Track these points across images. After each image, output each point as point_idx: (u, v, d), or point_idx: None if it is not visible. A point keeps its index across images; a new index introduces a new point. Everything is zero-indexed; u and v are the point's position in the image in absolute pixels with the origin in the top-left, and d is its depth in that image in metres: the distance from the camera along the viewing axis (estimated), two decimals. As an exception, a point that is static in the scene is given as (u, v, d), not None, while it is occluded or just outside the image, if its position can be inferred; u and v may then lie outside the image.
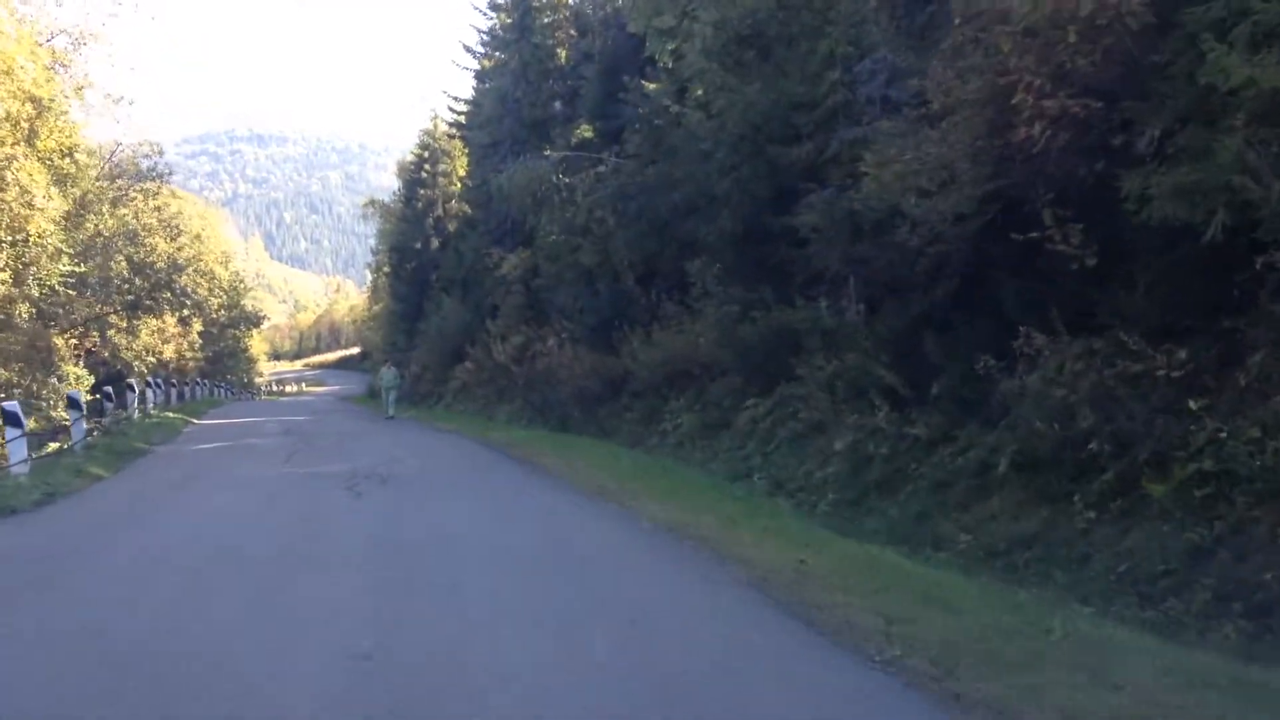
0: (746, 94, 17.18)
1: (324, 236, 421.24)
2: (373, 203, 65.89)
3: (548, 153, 25.81)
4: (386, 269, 65.43)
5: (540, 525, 9.13)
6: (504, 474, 13.61)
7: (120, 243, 32.16)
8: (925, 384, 11.75)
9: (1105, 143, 8.80)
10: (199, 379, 43.77)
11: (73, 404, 16.72)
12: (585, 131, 30.52)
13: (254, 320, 66.51)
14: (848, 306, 14.68)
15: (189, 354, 48.19)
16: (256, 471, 13.18)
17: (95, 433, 17.87)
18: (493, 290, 34.79)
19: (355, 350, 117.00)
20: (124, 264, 32.48)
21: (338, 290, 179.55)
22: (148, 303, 33.17)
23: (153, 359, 38.36)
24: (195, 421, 26.67)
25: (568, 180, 25.37)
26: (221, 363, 59.23)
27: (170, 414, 26.93)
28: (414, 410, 34.64)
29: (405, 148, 66.85)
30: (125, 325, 35.33)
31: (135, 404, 23.73)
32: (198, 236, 56.33)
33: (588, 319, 25.93)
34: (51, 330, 28.05)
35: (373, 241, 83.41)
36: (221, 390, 53.76)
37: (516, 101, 35.34)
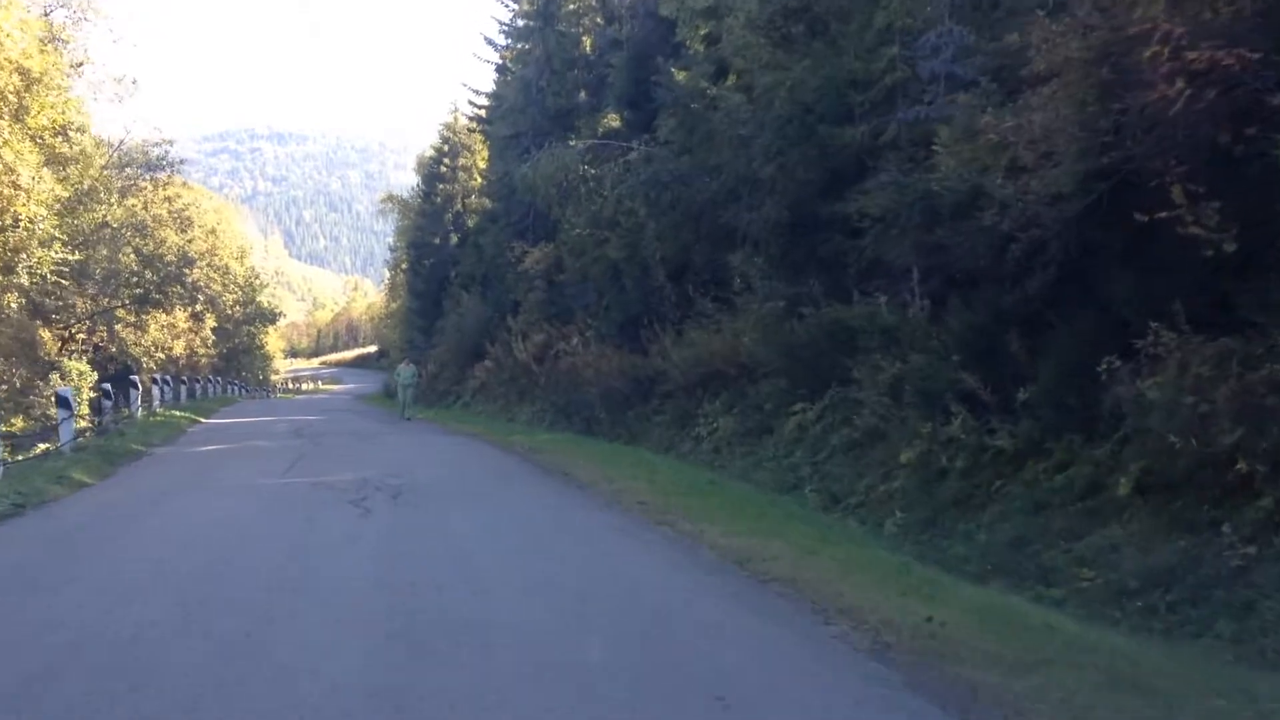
0: (794, 72, 15.79)
1: (343, 235, 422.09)
2: (391, 198, 64.73)
3: (574, 142, 24.43)
4: (404, 266, 64.34)
5: (581, 554, 7.70)
6: (531, 486, 12.24)
7: (128, 234, 30.98)
8: (1009, 389, 10.32)
9: (1258, 103, 7.36)
10: (211, 376, 42.63)
11: (62, 402, 15.46)
12: (612, 120, 29.18)
13: (269, 317, 65.39)
14: (911, 302, 13.25)
15: (202, 350, 47.07)
16: (254, 480, 11.90)
17: (90, 433, 16.64)
18: (514, 286, 33.48)
19: (372, 349, 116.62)
20: (132, 256, 31.29)
21: (355, 289, 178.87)
22: (156, 297, 31.97)
23: (162, 355, 37.21)
24: (202, 421, 25.47)
25: (594, 170, 24.02)
26: (236, 360, 58.14)
27: (177, 413, 25.74)
28: (431, 411, 33.37)
29: (425, 146, 65.75)
30: (133, 320, 34.11)
31: (139, 402, 22.52)
32: (212, 231, 55.28)
33: (614, 316, 24.60)
34: (53, 324, 26.92)
35: (391, 239, 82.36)
36: (236, 388, 52.66)
37: (540, 91, 34.02)
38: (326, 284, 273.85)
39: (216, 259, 50.62)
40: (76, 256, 24.42)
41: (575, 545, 8.14)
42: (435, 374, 45.22)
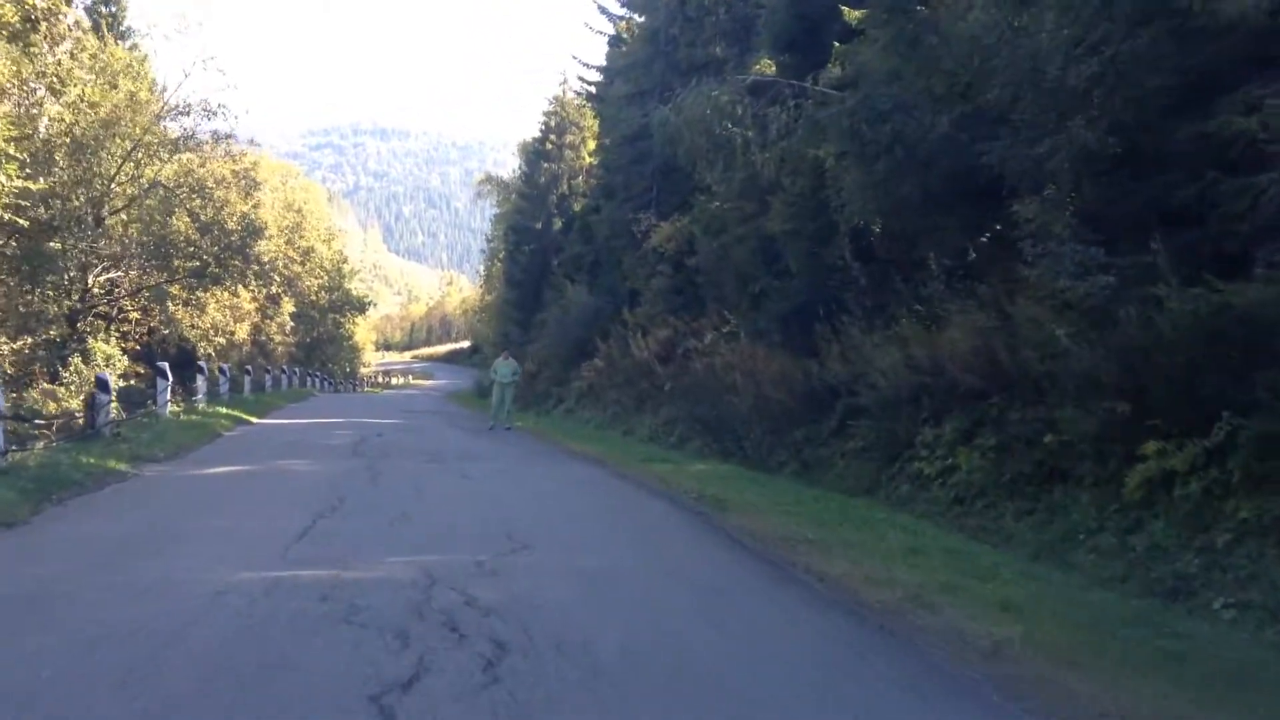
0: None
1: (440, 231, 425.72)
2: (489, 179, 60.11)
3: (740, 76, 18.91)
4: (501, 256, 59.70)
5: None
6: (747, 595, 6.35)
7: (184, 194, 26.42)
8: None
9: None
10: (285, 367, 38.10)
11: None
12: (766, 67, 23.51)
13: (359, 306, 61.29)
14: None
15: (278, 337, 42.70)
16: (219, 571, 5.98)
17: (51, 442, 11.67)
18: (633, 272, 28.07)
19: (465, 344, 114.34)
20: (187, 221, 26.73)
21: (450, 283, 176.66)
22: (215, 271, 27.37)
23: (222, 340, 32.61)
24: (252, 421, 20.58)
25: (758, 112, 18.39)
26: (319, 350, 53.94)
27: (222, 410, 20.88)
28: (529, 416, 28.12)
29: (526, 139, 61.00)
30: (187, 298, 29.54)
31: (164, 396, 17.64)
32: (299, 210, 51.26)
33: (773, 307, 19.00)
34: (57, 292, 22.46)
35: (488, 228, 77.94)
36: (316, 380, 48.31)
37: (671, 40, 28.62)
38: (422, 279, 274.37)
39: (301, 239, 46.37)
40: (39, 185, 19.68)
41: None
42: (533, 373, 40.22)
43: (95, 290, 26.01)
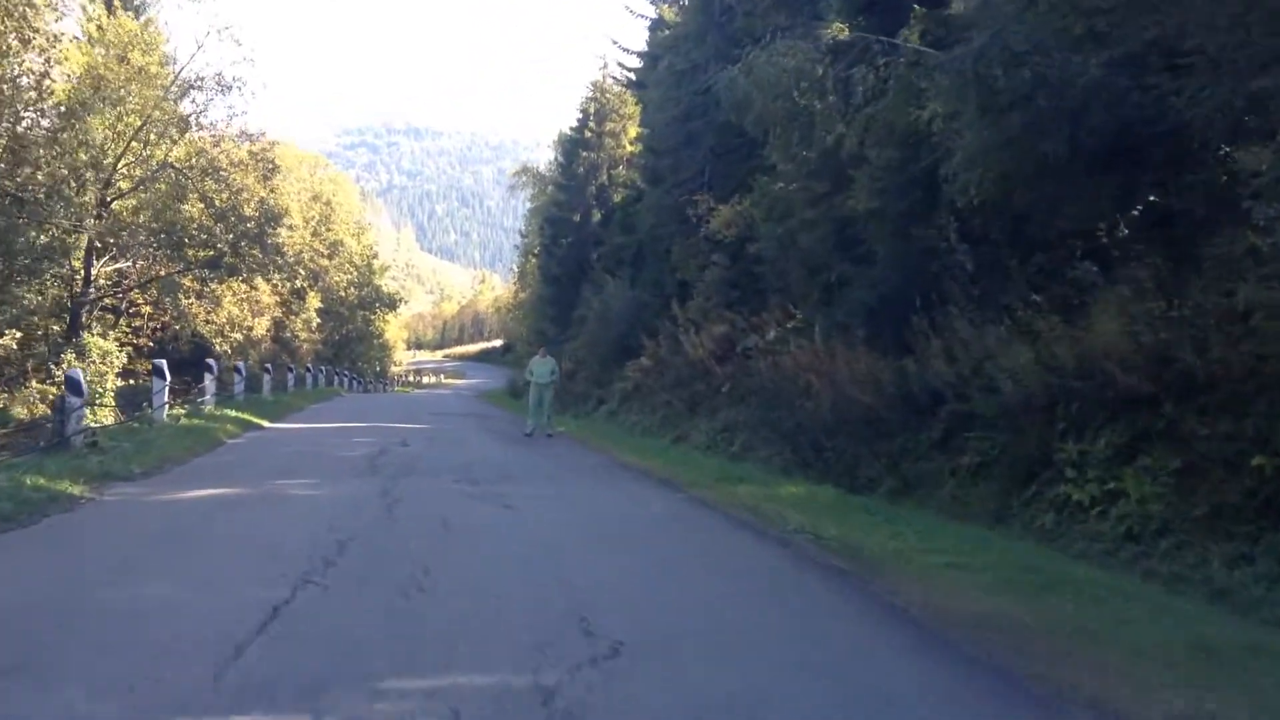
0: None
1: (473, 230, 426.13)
2: (525, 171, 57.81)
3: (823, 31, 16.47)
4: (535, 252, 57.52)
5: None
6: None
7: (196, 177, 24.25)
8: None
9: None
10: (311, 365, 35.99)
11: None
12: (838, 31, 21.01)
13: (390, 302, 59.28)
14: None
15: (303, 334, 40.63)
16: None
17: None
18: (683, 263, 25.66)
19: (497, 342, 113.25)
20: (199, 207, 24.57)
21: (483, 281, 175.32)
22: (230, 261, 25.18)
23: (239, 336, 30.47)
24: (264, 425, 18.36)
25: (836, 79, 15.93)
26: (348, 347, 51.92)
27: (233, 411, 18.69)
28: (569, 420, 25.79)
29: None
30: (200, 290, 27.37)
31: (161, 398, 15.44)
32: (327, 202, 49.32)
33: (856, 298, 16.52)
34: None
35: (522, 224, 75.79)
36: (344, 379, 46.22)
37: (727, 10, 26.15)
38: (455, 277, 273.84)
39: (329, 231, 44.33)
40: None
41: None
42: (571, 372, 37.94)
43: (102, 281, 23.96)
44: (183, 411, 17.32)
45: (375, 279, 56.79)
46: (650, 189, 28.66)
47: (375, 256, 56.82)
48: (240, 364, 23.33)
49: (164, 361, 16.19)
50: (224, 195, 24.70)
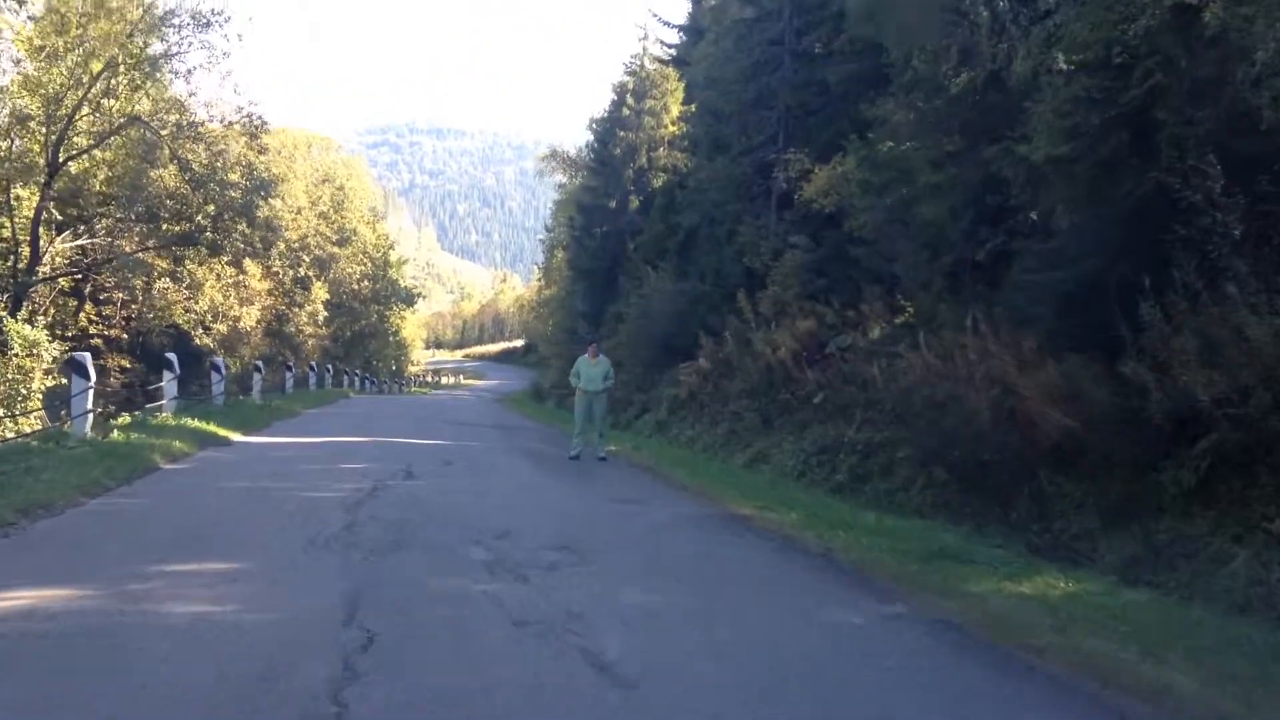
0: None
1: (494, 230, 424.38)
2: (554, 155, 53.54)
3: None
4: (563, 244, 53.38)
5: None
6: None
7: (169, 134, 20.08)
8: None
9: None
10: (314, 364, 31.86)
11: None
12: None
13: (407, 298, 55.17)
14: None
15: (309, 329, 36.48)
16: None
17: None
18: (753, 247, 21.34)
19: (519, 343, 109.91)
20: (172, 169, 20.40)
21: (504, 281, 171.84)
22: (211, 236, 20.99)
23: (222, 327, 26.19)
24: (233, 440, 14.20)
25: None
26: (361, 344, 47.80)
27: (195, 421, 14.52)
28: (613, 433, 21.44)
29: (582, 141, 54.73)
30: (172, 270, 23.09)
31: (82, 404, 11.29)
32: (340, 187, 45.31)
33: (1032, 281, 12.12)
34: None
35: (547, 217, 71.61)
36: (356, 379, 42.05)
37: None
38: (475, 277, 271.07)
39: (340, 217, 40.26)
40: None
41: None
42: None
43: (58, 258, 19.90)
44: (124, 421, 13.18)
45: (392, 272, 52.68)
46: (709, 162, 24.31)
47: (392, 247, 52.74)
48: (218, 360, 19.19)
49: (88, 355, 12.04)
50: (200, 154, 20.59)
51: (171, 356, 15.58)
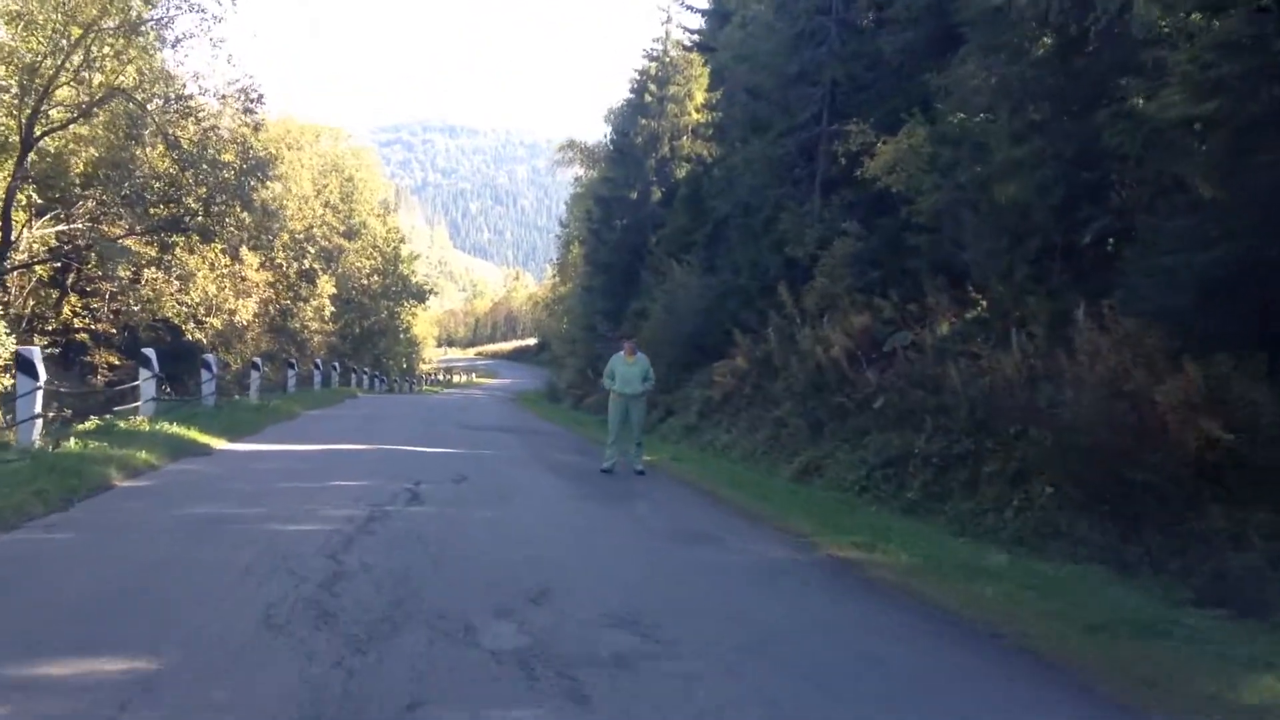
0: None
1: (507, 229, 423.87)
2: (572, 145, 51.64)
3: None
4: (579, 239, 51.58)
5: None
6: None
7: (156, 109, 18.23)
8: None
9: None
10: (319, 361, 30.03)
11: None
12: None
13: (418, 294, 53.36)
14: None
15: (314, 324, 34.64)
16: None
17: None
18: (796, 235, 19.40)
19: (531, 341, 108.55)
20: (161, 149, 18.53)
21: (517, 278, 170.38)
22: (200, 221, 19.08)
23: (215, 321, 24.27)
24: (215, 448, 12.38)
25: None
26: (370, 341, 46.00)
27: (174, 427, 12.69)
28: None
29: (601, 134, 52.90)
30: (159, 258, 21.12)
31: (29, 408, 9.48)
32: (349, 178, 43.55)
33: (1170, 265, 10.15)
34: None
35: (562, 212, 69.75)
36: (364, 378, 40.23)
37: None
38: (488, 275, 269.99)
39: (348, 206, 38.46)
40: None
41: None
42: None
43: (35, 245, 18.10)
44: (88, 426, 11.38)
45: (403, 267, 50.84)
46: (743, 145, 22.36)
47: (403, 240, 50.85)
48: (209, 357, 17.36)
49: (36, 349, 10.21)
50: (192, 135, 18.72)
51: (149, 353, 13.75)
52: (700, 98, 37.70)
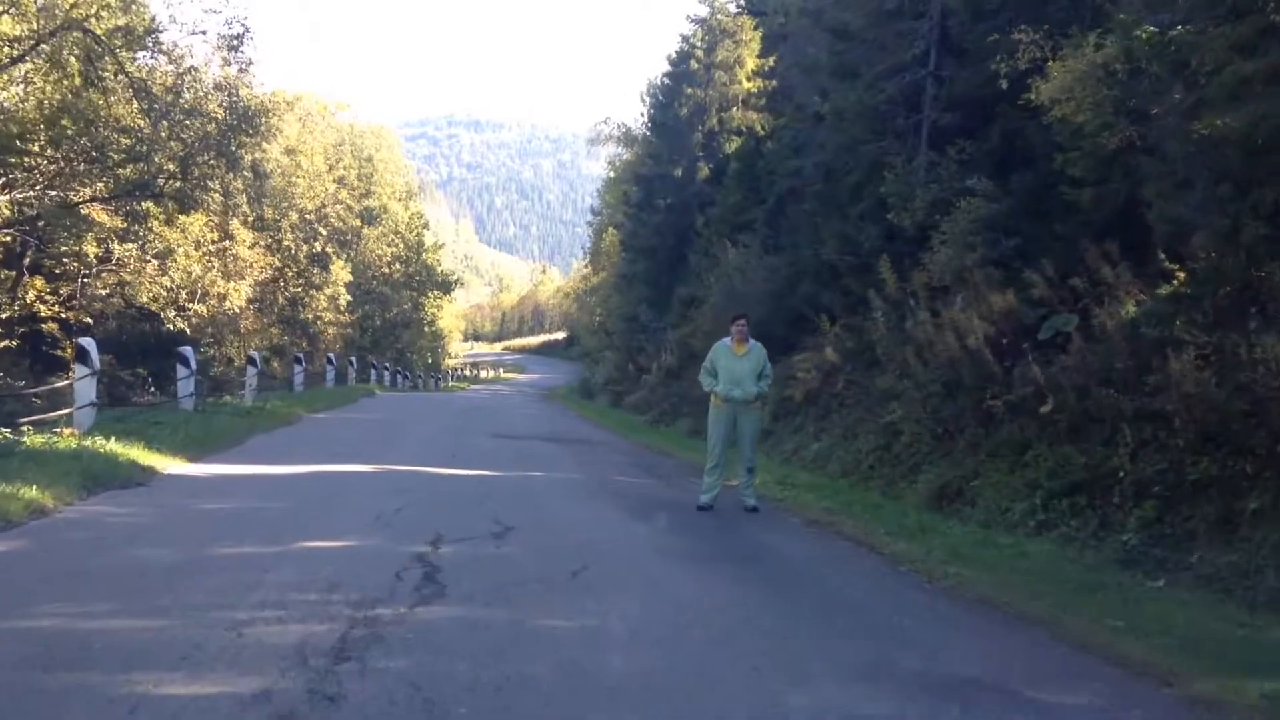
0: None
1: (532, 223, 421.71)
2: (608, 123, 48.26)
3: None
4: (615, 223, 48.17)
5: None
6: None
7: (120, 45, 14.89)
8: None
9: None
10: (332, 356, 26.75)
11: None
12: None
13: (443, 284, 50.13)
14: None
15: (328, 315, 31.35)
16: None
17: None
18: (898, 199, 15.84)
19: (560, 335, 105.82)
20: (132, 105, 15.17)
21: (543, 272, 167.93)
22: (174, 184, 15.75)
23: (203, 308, 20.75)
24: (164, 470, 9.10)
25: None
26: (392, 334, 42.77)
27: (108, 443, 9.37)
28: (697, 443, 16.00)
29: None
30: (125, 229, 17.63)
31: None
32: (369, 159, 40.37)
33: None
34: None
35: (595, 196, 66.29)
36: (385, 373, 36.95)
37: None
38: (514, 270, 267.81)
39: (370, 195, 35.24)
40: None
41: None
42: (674, 371, 28.68)
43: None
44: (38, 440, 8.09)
45: (426, 255, 47.56)
46: (835, 92, 18.71)
47: (426, 226, 47.57)
48: (185, 350, 14.09)
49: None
50: (166, 79, 15.37)
51: (87, 343, 10.46)
52: (752, 64, 34.27)
